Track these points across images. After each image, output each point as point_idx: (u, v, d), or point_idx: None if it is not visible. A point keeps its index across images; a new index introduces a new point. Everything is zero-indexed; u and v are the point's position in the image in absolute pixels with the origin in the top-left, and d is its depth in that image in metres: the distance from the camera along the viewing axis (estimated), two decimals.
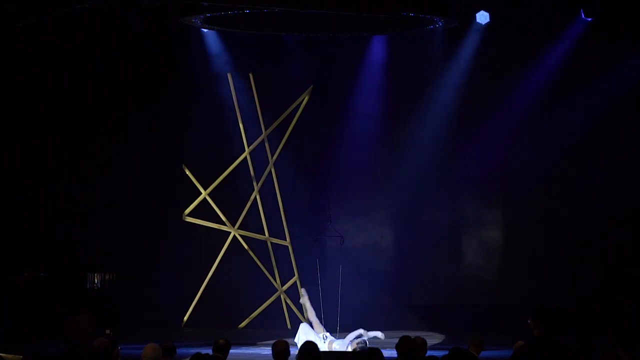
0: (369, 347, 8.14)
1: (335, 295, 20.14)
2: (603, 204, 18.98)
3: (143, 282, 19.10)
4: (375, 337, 14.93)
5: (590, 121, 19.00)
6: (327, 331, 15.35)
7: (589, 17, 18.11)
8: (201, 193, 19.86)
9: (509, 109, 19.16)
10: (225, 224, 19.85)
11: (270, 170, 19.97)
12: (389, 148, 19.93)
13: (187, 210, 19.84)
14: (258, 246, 19.89)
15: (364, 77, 19.79)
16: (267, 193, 19.93)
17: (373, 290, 19.72)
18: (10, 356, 10.31)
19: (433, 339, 17.36)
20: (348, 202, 20.00)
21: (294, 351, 8.05)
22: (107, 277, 18.40)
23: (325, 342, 14.83)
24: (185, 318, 19.65)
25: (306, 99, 19.93)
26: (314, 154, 19.91)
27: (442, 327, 19.47)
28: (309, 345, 8.00)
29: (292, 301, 19.68)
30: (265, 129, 19.95)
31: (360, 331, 14.89)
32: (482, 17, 18.50)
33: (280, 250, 19.89)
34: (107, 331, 15.13)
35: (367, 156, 19.95)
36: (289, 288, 19.78)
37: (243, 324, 19.54)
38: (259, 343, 16.95)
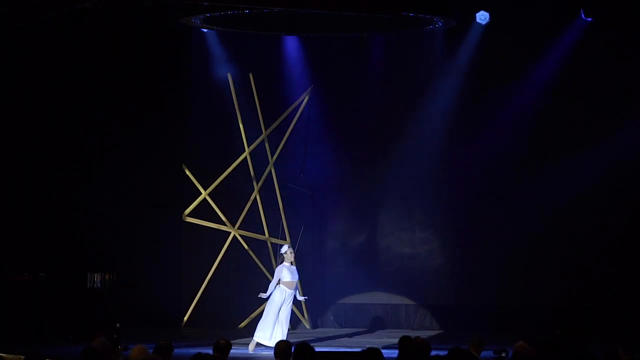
0: (369, 347, 8.12)
1: (336, 294, 20.16)
2: (604, 203, 18.98)
3: (143, 282, 19.08)
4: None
5: (590, 120, 19.01)
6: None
7: (589, 17, 18.11)
8: (201, 193, 19.85)
9: (509, 108, 19.16)
10: (225, 224, 19.85)
11: (270, 170, 19.96)
12: (389, 148, 19.92)
13: (187, 210, 19.84)
14: (258, 246, 19.89)
15: (363, 77, 19.78)
16: (267, 193, 19.93)
17: (373, 289, 19.73)
18: (10, 356, 10.31)
19: (432, 337, 17.35)
20: (347, 203, 20.02)
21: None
22: (107, 277, 18.36)
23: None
24: (185, 318, 19.65)
25: (306, 99, 19.93)
26: (314, 154, 19.88)
27: (442, 327, 19.49)
28: (305, 347, 7.96)
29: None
30: (265, 129, 19.94)
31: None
32: (482, 17, 18.51)
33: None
34: (118, 325, 15.08)
35: (366, 156, 19.97)
36: None
37: (243, 324, 19.52)
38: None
